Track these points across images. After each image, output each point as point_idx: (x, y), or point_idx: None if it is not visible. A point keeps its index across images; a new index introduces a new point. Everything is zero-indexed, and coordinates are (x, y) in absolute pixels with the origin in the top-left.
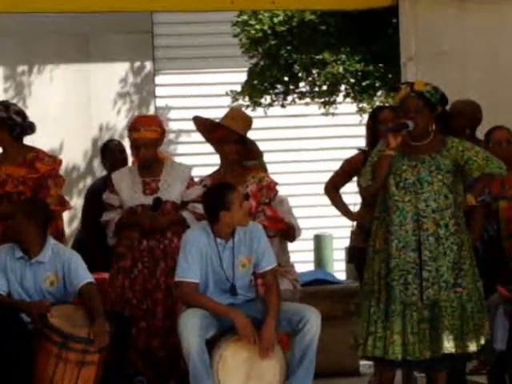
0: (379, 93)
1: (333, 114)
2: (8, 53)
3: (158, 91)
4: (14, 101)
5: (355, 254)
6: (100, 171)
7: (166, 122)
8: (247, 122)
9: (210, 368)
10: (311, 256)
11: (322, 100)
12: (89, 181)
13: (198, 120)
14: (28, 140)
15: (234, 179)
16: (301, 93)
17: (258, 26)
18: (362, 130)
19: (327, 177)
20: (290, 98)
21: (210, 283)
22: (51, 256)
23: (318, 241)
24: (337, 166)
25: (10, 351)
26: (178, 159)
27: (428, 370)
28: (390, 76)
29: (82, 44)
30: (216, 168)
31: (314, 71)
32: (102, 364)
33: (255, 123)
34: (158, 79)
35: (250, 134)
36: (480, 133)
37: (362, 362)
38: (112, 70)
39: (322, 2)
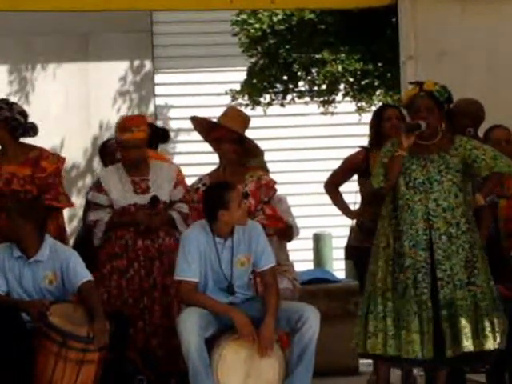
0: (378, 92)
1: (332, 113)
2: (8, 52)
3: (158, 90)
4: (15, 99)
5: (354, 252)
6: (100, 170)
7: (166, 120)
8: (245, 120)
9: (209, 367)
10: (310, 255)
11: (321, 99)
12: (88, 179)
13: (195, 120)
14: (29, 138)
15: (233, 178)
16: (300, 92)
17: (257, 25)
18: (361, 129)
19: (326, 176)
20: (289, 97)
21: (209, 282)
22: (49, 255)
23: (318, 240)
24: (336, 164)
25: (9, 350)
26: (177, 158)
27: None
28: (389, 75)
29: (82, 43)
30: (215, 167)
31: (313, 70)
32: (102, 363)
33: (254, 122)
34: (158, 78)
35: (250, 133)
36: (479, 132)
37: (362, 361)
38: (111, 68)
39: (321, 1)
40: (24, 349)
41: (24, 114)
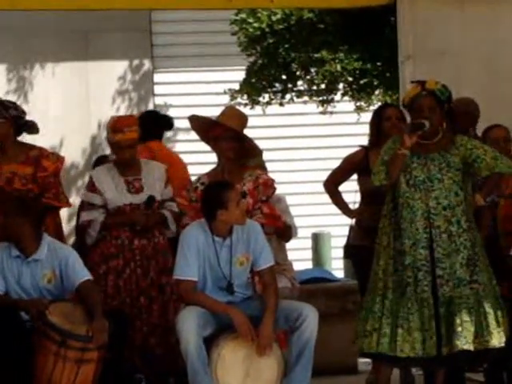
0: (377, 91)
1: (331, 113)
2: (7, 51)
3: (157, 89)
4: (14, 98)
5: (353, 252)
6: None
7: None
8: (243, 119)
9: (208, 366)
10: (309, 254)
11: (320, 98)
12: (87, 179)
13: (193, 119)
14: (28, 137)
15: (232, 177)
16: (299, 91)
17: (256, 25)
18: (360, 129)
19: (325, 175)
20: (288, 97)
21: (208, 281)
22: (48, 253)
23: (316, 239)
24: (335, 164)
25: (8, 349)
26: None
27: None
28: (387, 74)
29: (81, 42)
30: (214, 166)
31: (312, 70)
32: (101, 361)
33: (253, 121)
34: (157, 77)
35: (248, 133)
36: (477, 131)
37: (361, 360)
38: (111, 67)
39: (320, 1)
40: (23, 348)
41: (25, 113)
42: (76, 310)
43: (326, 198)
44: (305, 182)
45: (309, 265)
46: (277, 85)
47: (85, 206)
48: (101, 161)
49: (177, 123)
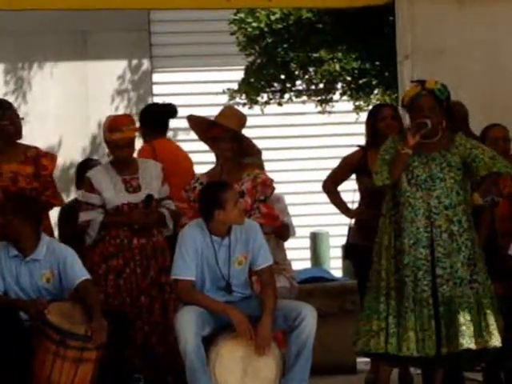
0: (376, 91)
1: (329, 112)
2: (6, 50)
3: (156, 89)
4: (12, 98)
5: (353, 251)
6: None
7: None
8: (241, 119)
9: (206, 365)
10: (308, 253)
11: (319, 98)
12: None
13: (191, 119)
14: (27, 137)
15: (230, 177)
16: (297, 91)
17: (254, 24)
18: (359, 128)
19: (324, 175)
20: (286, 96)
21: (206, 281)
22: (46, 253)
23: (315, 238)
24: (333, 164)
25: (7, 349)
26: None
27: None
28: (386, 74)
29: (80, 42)
30: (212, 166)
31: (310, 69)
32: (100, 361)
33: (252, 121)
34: (156, 77)
35: (247, 132)
36: (476, 130)
37: (359, 359)
38: (109, 67)
39: (319, 1)
40: (22, 348)
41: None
42: (75, 309)
43: (325, 197)
44: (303, 182)
45: (307, 264)
46: (275, 84)
47: (83, 206)
48: (87, 164)
49: (176, 123)
